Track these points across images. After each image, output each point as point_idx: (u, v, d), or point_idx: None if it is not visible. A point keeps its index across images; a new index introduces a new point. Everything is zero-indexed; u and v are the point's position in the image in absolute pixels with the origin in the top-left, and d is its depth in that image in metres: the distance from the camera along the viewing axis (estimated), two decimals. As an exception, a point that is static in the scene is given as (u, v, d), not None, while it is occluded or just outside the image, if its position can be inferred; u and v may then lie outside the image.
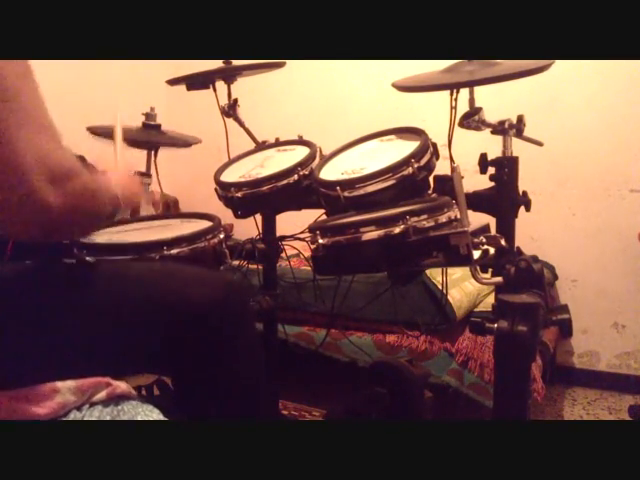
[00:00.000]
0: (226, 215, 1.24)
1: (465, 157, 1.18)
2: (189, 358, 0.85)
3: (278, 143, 1.40)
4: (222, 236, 1.11)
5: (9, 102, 0.63)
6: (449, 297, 1.69)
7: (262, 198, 1.19)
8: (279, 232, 1.50)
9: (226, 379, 0.87)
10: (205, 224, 1.14)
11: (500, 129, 1.15)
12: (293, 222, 1.32)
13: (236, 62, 1.40)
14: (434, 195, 1.11)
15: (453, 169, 0.93)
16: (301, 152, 1.27)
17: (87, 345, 0.80)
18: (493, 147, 1.16)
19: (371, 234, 0.93)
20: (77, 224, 0.73)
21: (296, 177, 1.18)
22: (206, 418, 0.85)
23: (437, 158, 1.12)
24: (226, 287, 0.89)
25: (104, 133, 1.20)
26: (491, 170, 1.15)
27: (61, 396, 0.78)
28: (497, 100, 1.43)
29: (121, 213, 0.88)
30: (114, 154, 1.02)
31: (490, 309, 1.04)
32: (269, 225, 1.51)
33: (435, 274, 1.71)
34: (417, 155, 1.06)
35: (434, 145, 1.12)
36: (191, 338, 0.84)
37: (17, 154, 0.62)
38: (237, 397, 0.89)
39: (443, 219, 0.93)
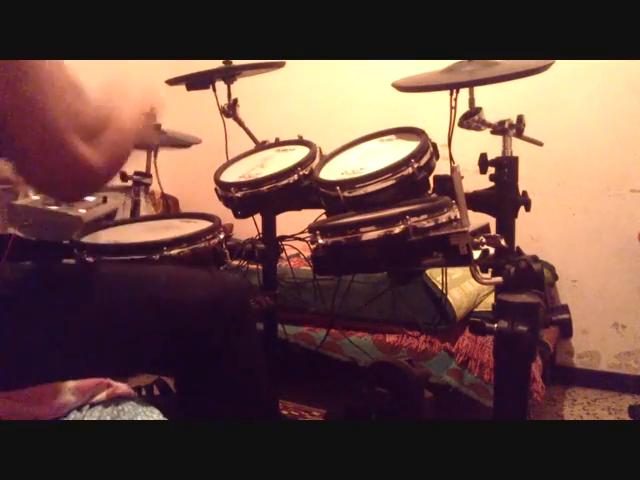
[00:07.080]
0: (226, 215, 1.24)
1: (465, 157, 1.18)
2: (189, 359, 0.85)
3: (278, 143, 1.40)
4: (222, 236, 1.11)
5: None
6: (449, 297, 1.69)
7: (262, 198, 1.19)
8: (279, 232, 1.50)
9: (226, 379, 0.87)
10: (205, 224, 1.14)
11: (500, 129, 1.15)
12: (293, 222, 1.32)
13: (236, 62, 1.40)
14: (434, 195, 1.11)
15: (453, 169, 0.93)
16: (301, 152, 1.26)
17: (87, 346, 0.80)
18: (493, 147, 1.16)
19: (371, 234, 0.93)
20: (114, 172, 0.77)
21: (296, 177, 1.17)
22: (207, 418, 0.85)
23: (437, 158, 1.12)
24: (224, 288, 0.89)
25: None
26: (491, 170, 1.15)
27: (62, 397, 0.78)
28: (497, 100, 1.43)
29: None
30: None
31: (490, 309, 1.04)
32: (269, 225, 1.51)
33: (435, 274, 1.70)
34: (417, 155, 1.06)
35: (434, 145, 1.12)
36: (191, 339, 0.84)
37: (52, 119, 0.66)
38: (237, 397, 0.89)
39: (443, 219, 0.93)
